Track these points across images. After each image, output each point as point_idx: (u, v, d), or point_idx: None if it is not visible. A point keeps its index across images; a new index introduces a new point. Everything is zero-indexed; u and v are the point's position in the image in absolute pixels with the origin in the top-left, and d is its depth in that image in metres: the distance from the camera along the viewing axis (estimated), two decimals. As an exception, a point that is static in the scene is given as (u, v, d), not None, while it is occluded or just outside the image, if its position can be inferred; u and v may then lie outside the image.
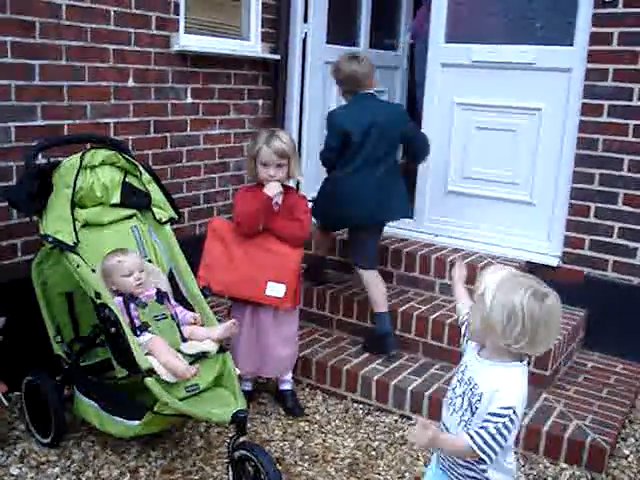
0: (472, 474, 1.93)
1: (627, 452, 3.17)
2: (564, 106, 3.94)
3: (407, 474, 2.93)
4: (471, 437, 1.80)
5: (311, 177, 4.97)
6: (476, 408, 1.86)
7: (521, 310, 1.75)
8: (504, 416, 1.78)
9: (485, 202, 4.28)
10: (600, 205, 3.86)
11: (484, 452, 1.78)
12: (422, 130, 4.07)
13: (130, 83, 3.77)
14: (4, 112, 3.19)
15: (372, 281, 3.66)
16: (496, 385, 1.83)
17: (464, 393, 1.91)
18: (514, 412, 1.79)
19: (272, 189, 3.16)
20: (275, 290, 3.17)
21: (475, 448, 1.79)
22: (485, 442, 1.78)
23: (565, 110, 3.93)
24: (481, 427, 1.80)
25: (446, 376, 3.51)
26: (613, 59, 3.71)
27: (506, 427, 1.78)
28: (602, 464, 2.99)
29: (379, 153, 3.54)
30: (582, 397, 3.41)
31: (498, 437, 1.78)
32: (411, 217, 4.51)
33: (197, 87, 4.21)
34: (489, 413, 1.80)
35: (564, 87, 3.92)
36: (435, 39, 4.36)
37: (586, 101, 3.82)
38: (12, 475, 2.76)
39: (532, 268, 4.07)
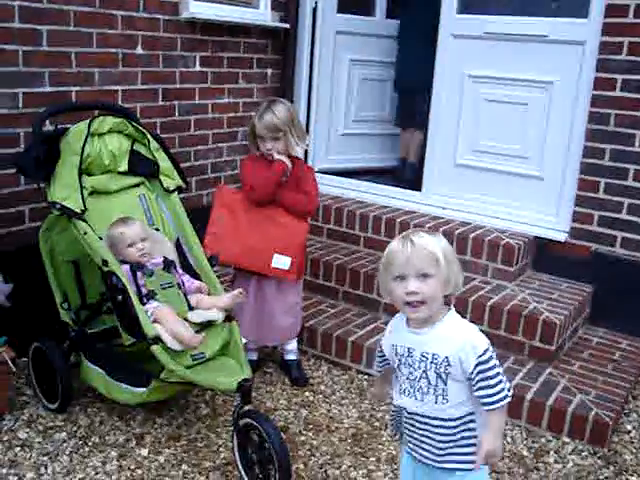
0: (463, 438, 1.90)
1: (629, 427, 3.19)
2: (576, 80, 3.89)
3: (410, 445, 2.95)
4: (493, 404, 1.79)
5: (321, 148, 4.98)
6: (448, 373, 1.82)
7: (448, 251, 1.84)
8: (488, 359, 1.79)
9: (494, 176, 4.26)
10: (610, 181, 3.83)
11: (507, 396, 1.80)
12: (432, 102, 4.06)
13: (138, 50, 3.74)
14: (12, 78, 3.18)
15: None
16: (455, 340, 1.82)
17: (425, 372, 1.86)
18: (488, 347, 1.80)
19: (286, 161, 3.16)
20: (281, 262, 3.17)
21: (504, 403, 1.80)
22: (501, 391, 1.79)
23: (577, 84, 3.89)
24: (485, 386, 1.78)
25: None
26: (628, 32, 3.64)
27: (495, 364, 1.80)
28: (604, 439, 3.00)
29: None
30: (586, 372, 3.42)
31: (501, 376, 1.80)
32: (419, 190, 4.51)
33: (206, 55, 4.17)
34: (476, 369, 1.78)
35: (577, 60, 3.87)
36: (447, 9, 4.30)
37: (599, 75, 3.76)
38: (20, 439, 2.79)
39: (540, 243, 4.07)
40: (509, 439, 3.03)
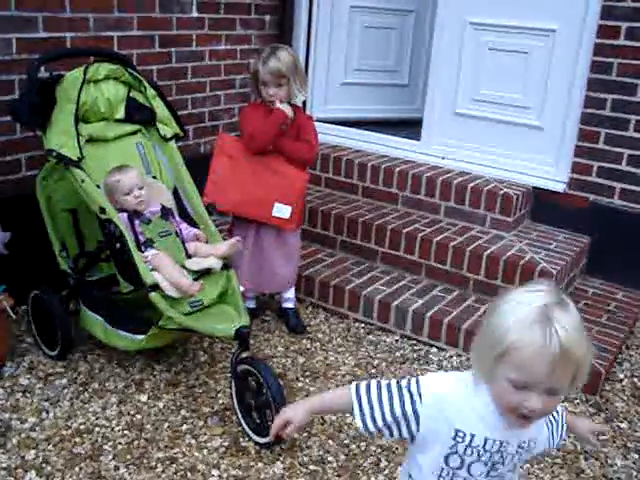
0: None
1: (622, 376, 3.24)
2: (579, 28, 3.82)
3: (406, 392, 3.00)
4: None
5: (320, 96, 4.92)
6: (530, 452, 1.54)
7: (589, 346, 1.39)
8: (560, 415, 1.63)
9: (493, 125, 4.22)
10: (610, 131, 3.80)
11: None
12: (432, 50, 3.96)
13: (134, -6, 3.67)
14: (4, 22, 3.12)
15: None
16: (546, 419, 1.56)
17: (515, 465, 1.52)
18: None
19: (287, 110, 3.13)
20: (281, 211, 3.18)
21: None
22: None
23: (580, 32, 3.82)
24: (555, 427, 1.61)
25: (447, 298, 3.55)
26: (634, -23, 3.58)
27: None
28: (597, 387, 3.05)
29: None
30: (581, 322, 3.45)
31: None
32: (418, 139, 4.48)
33: (203, 1, 4.09)
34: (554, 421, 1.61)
35: (581, 7, 3.80)
36: (449, -46, 4.20)
37: (603, 22, 3.70)
38: (21, 385, 2.83)
39: (537, 193, 4.06)
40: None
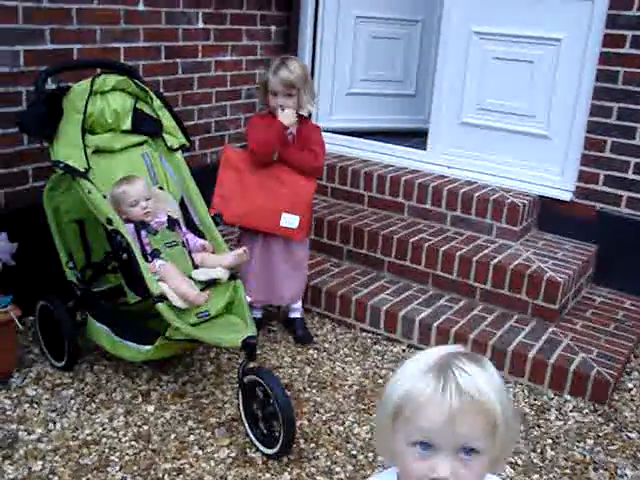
0: None
1: (631, 385, 3.22)
2: (585, 37, 3.82)
3: (413, 402, 2.98)
4: None
5: (325, 106, 4.93)
6: None
7: (505, 396, 1.17)
8: None
9: (499, 134, 4.22)
10: (617, 140, 3.79)
11: None
12: (438, 59, 3.97)
13: (140, 7, 3.69)
14: (12, 35, 3.14)
15: None
16: None
17: None
18: None
19: (287, 118, 3.13)
20: (289, 221, 3.18)
21: None
22: None
23: (585, 41, 3.82)
24: None
25: (454, 307, 3.54)
26: (639, -14, 3.58)
27: None
28: (605, 396, 3.03)
29: None
30: (589, 331, 3.44)
31: None
32: (424, 148, 4.48)
33: (209, 12, 4.11)
34: None
35: (586, 17, 3.80)
36: (454, -36, 4.22)
37: (608, 31, 3.70)
38: (28, 396, 2.83)
39: (544, 202, 4.05)
40: (511, 397, 3.07)
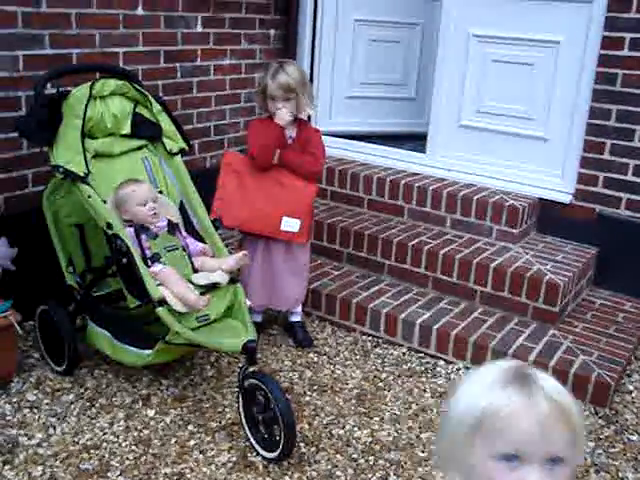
0: None
1: (631, 388, 3.22)
2: (583, 39, 3.83)
3: (414, 405, 2.99)
4: None
5: (324, 110, 4.93)
6: None
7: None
8: None
9: (499, 137, 4.22)
10: (616, 142, 3.79)
11: None
12: (436, 62, 3.98)
13: (139, 11, 3.69)
14: (11, 39, 3.14)
15: None
16: None
17: None
18: None
19: (281, 118, 3.13)
20: (290, 225, 3.17)
21: None
22: None
23: (584, 43, 3.82)
24: None
25: (454, 310, 3.54)
26: (638, -12, 3.58)
27: None
28: (606, 399, 3.03)
29: None
30: (589, 334, 3.44)
31: None
32: (423, 151, 4.48)
33: (207, 16, 4.12)
34: None
35: (585, 19, 3.80)
36: (452, -33, 4.22)
37: (607, 34, 3.70)
38: (28, 401, 2.83)
39: (544, 204, 4.05)
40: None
